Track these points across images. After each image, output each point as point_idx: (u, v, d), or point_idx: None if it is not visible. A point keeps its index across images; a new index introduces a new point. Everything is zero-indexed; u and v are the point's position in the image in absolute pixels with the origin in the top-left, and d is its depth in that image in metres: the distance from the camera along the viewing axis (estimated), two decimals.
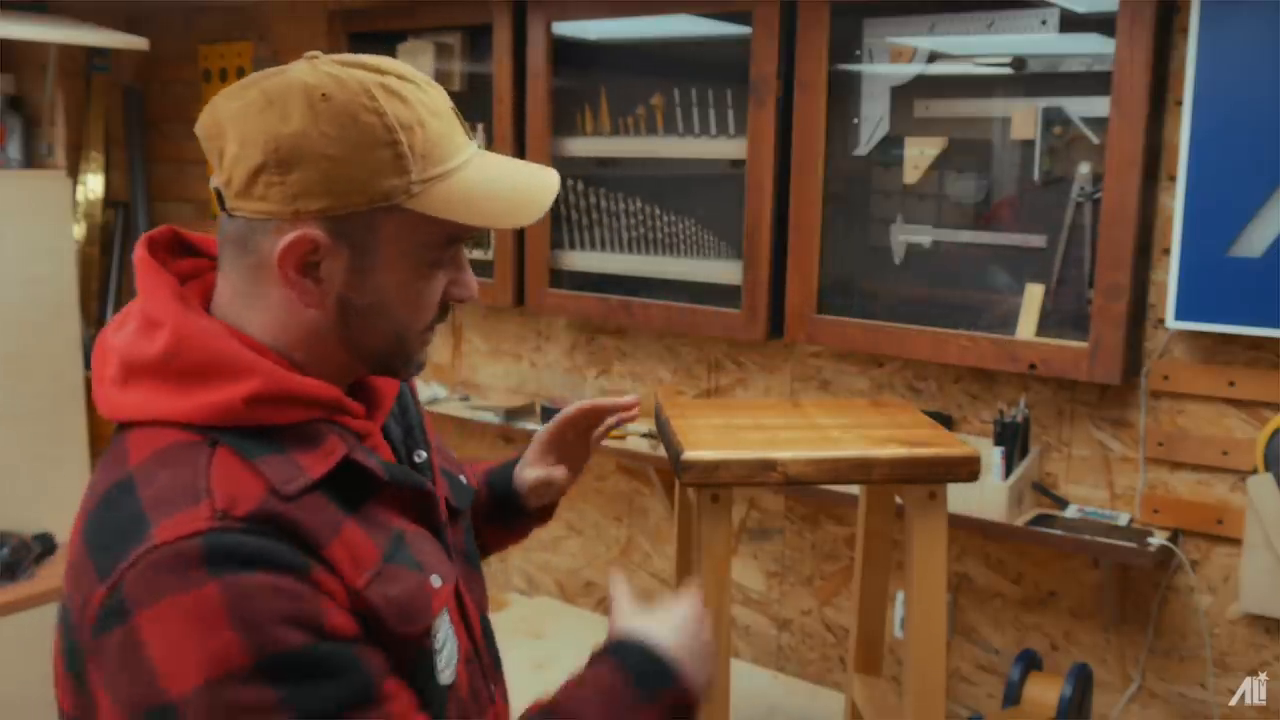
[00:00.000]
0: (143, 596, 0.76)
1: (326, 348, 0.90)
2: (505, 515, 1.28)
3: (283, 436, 0.84)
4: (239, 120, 0.84)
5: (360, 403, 0.95)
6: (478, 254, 2.46)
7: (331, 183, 0.83)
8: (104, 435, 2.87)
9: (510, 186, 0.92)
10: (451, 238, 0.90)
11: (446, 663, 0.92)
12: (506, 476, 1.28)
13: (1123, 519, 1.82)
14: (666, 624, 0.99)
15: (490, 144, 2.38)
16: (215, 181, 0.87)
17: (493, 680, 1.05)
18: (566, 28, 2.32)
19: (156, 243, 0.93)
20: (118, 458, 0.85)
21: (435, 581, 0.91)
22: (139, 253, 0.91)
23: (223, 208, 0.87)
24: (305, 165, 0.82)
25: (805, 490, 2.08)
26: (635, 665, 0.95)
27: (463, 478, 1.10)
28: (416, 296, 0.90)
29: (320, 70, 0.85)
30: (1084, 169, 1.77)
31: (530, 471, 1.28)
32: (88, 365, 2.91)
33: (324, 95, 0.83)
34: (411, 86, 0.87)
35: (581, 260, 2.38)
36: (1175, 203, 1.68)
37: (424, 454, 1.03)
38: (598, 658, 0.98)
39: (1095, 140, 1.76)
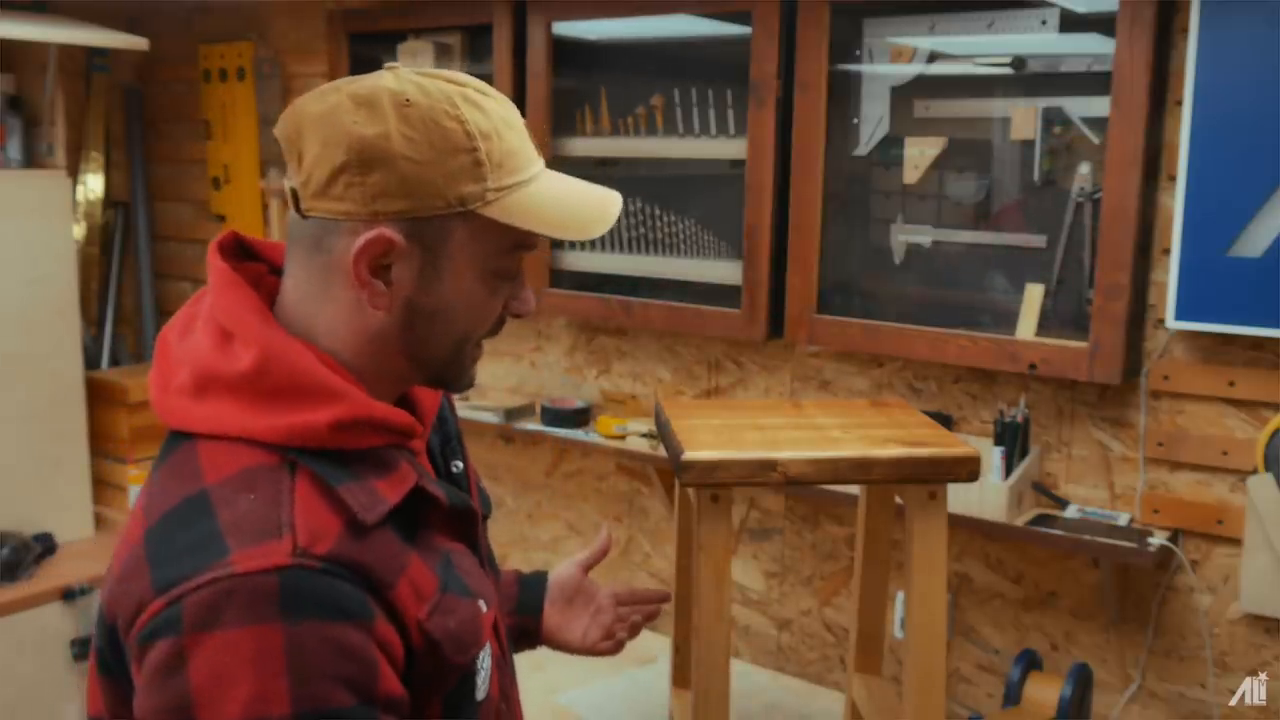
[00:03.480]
0: (204, 620, 0.76)
1: (387, 353, 0.91)
2: (518, 611, 1.33)
3: (359, 461, 0.86)
4: (322, 122, 0.86)
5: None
6: None
7: (411, 185, 0.84)
8: (104, 435, 2.87)
9: (578, 202, 0.95)
10: (517, 246, 0.92)
11: (485, 679, 0.95)
12: (539, 586, 1.36)
13: (1123, 519, 1.82)
14: None
15: None
16: (292, 182, 0.89)
17: (512, 683, 1.08)
18: (566, 28, 2.32)
19: (224, 248, 0.94)
20: (189, 470, 0.84)
21: (483, 607, 0.93)
22: (213, 260, 0.92)
23: (297, 208, 0.88)
24: (386, 167, 0.84)
25: (805, 490, 2.08)
26: None
27: (481, 484, 1.14)
28: (479, 305, 0.92)
29: (404, 79, 0.87)
30: (1084, 169, 1.77)
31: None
32: (88, 365, 2.91)
33: (408, 100, 0.85)
34: (490, 99, 0.90)
35: (581, 260, 2.38)
36: (1175, 203, 1.68)
37: (460, 465, 1.06)
38: None
39: (1095, 140, 1.76)
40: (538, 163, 0.94)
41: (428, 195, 0.85)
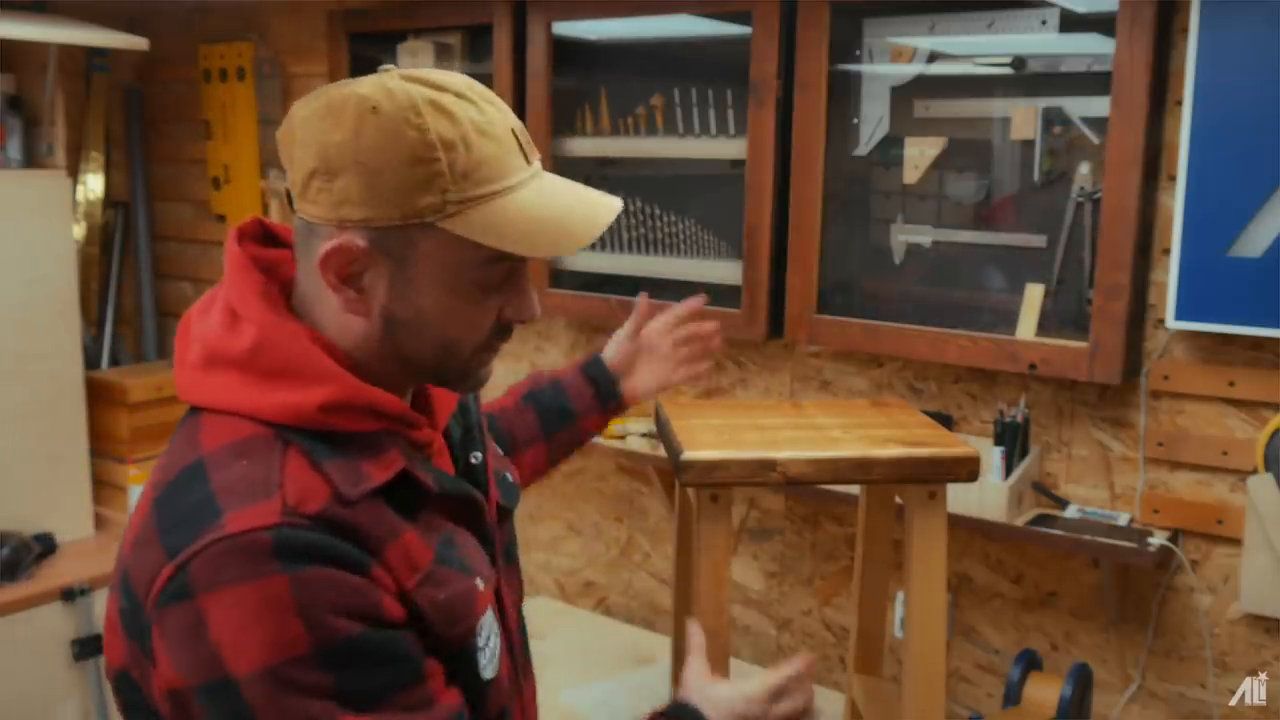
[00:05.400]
0: (209, 580, 0.80)
1: (378, 355, 0.92)
2: (603, 402, 1.45)
3: (349, 443, 0.87)
4: (304, 125, 0.87)
5: (422, 408, 0.99)
6: None
7: (371, 194, 0.84)
8: (104, 435, 2.87)
9: (554, 215, 0.90)
10: (492, 260, 0.89)
11: (489, 659, 0.96)
12: (600, 365, 1.47)
13: (1123, 519, 1.82)
14: (727, 703, 1.09)
15: None
16: (286, 182, 0.90)
17: (523, 673, 1.10)
18: (566, 28, 2.32)
19: (245, 233, 0.96)
20: (190, 440, 0.88)
21: (479, 584, 0.95)
22: (230, 246, 0.94)
23: (292, 208, 0.90)
24: (348, 174, 0.84)
25: (805, 490, 2.08)
26: None
27: (509, 475, 1.14)
28: (461, 316, 0.91)
29: (381, 83, 0.86)
30: (1084, 169, 1.77)
31: (614, 354, 1.48)
32: (88, 365, 2.91)
33: (373, 107, 0.84)
34: (466, 105, 0.87)
35: (581, 260, 2.38)
36: (1175, 203, 1.68)
37: (480, 456, 1.06)
38: (661, 715, 1.08)
39: (1095, 140, 1.76)
40: (521, 171, 0.89)
41: (386, 205, 0.84)
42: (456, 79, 0.89)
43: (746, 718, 1.10)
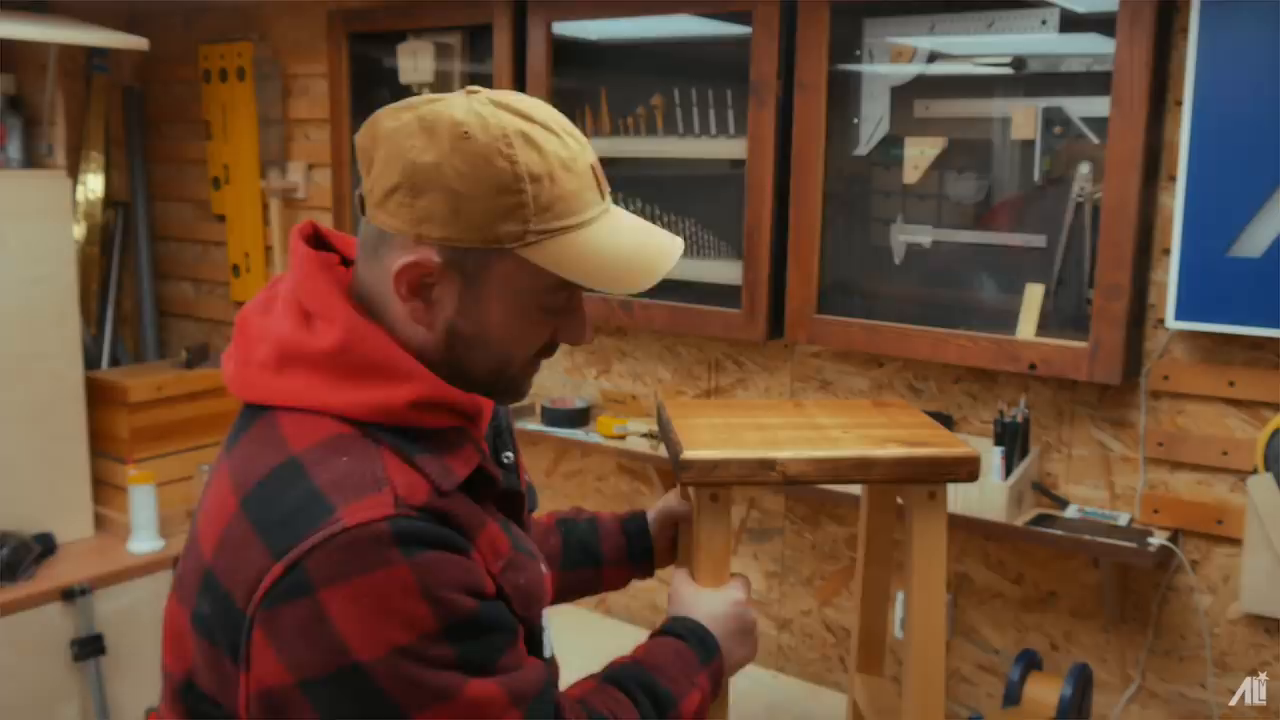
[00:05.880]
0: (329, 574, 0.82)
1: (435, 362, 0.95)
2: (635, 556, 1.45)
3: (430, 439, 0.92)
4: (390, 138, 0.90)
5: None
6: None
7: (454, 216, 0.88)
8: (104, 435, 2.87)
9: (625, 254, 0.97)
10: (559, 287, 0.94)
11: (549, 639, 1.04)
12: (642, 523, 1.47)
13: (1123, 519, 1.82)
14: (715, 608, 1.21)
15: None
16: (361, 188, 0.94)
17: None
18: (566, 28, 2.32)
19: (304, 235, 0.99)
20: (273, 440, 0.90)
21: (544, 568, 1.02)
22: (300, 247, 0.97)
23: (363, 211, 0.94)
24: (434, 194, 0.88)
25: (805, 490, 2.08)
26: (694, 638, 1.16)
27: (527, 478, 1.21)
28: (520, 335, 0.96)
29: (473, 107, 0.90)
30: (1084, 169, 1.77)
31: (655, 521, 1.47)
32: (88, 365, 2.91)
33: (466, 133, 0.88)
34: (552, 138, 0.91)
35: None
36: (1175, 203, 1.68)
37: (510, 456, 1.13)
38: (666, 630, 1.18)
39: (1095, 140, 1.76)
40: (596, 205, 0.95)
41: (468, 229, 0.89)
42: (542, 109, 0.93)
43: (740, 618, 1.22)
